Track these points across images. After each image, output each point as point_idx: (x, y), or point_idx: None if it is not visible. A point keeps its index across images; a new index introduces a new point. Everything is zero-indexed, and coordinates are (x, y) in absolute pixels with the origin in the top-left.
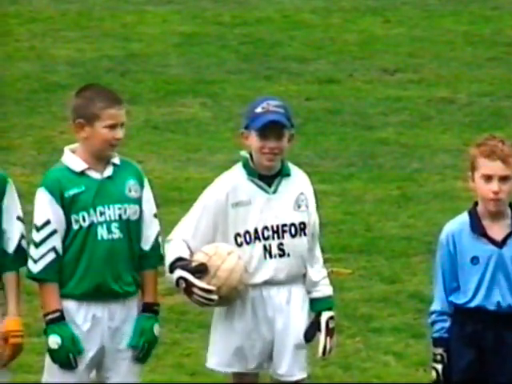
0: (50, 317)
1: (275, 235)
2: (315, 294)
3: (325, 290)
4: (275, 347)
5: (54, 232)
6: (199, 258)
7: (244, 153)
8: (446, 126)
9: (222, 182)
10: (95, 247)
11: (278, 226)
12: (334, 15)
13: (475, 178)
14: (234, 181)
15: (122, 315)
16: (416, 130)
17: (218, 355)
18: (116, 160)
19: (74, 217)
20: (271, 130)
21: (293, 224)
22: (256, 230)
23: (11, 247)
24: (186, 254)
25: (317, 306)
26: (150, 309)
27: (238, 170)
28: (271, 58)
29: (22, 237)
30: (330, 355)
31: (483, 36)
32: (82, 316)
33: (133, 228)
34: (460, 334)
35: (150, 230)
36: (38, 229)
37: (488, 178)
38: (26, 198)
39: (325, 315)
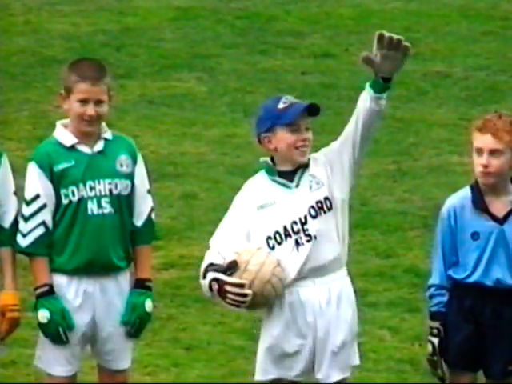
0: (40, 291)
1: (303, 226)
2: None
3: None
4: (317, 351)
5: (43, 206)
6: (229, 258)
7: (263, 159)
8: (441, 100)
9: (247, 189)
10: (85, 222)
11: (304, 216)
12: None
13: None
14: (257, 186)
15: (114, 290)
16: (412, 105)
17: (260, 365)
18: (107, 135)
19: (63, 191)
20: (302, 121)
21: (311, 206)
22: (285, 228)
23: (7, 222)
24: (217, 261)
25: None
26: (142, 285)
27: (260, 176)
28: (267, 33)
29: (17, 212)
30: None
31: (479, 10)
32: (73, 291)
33: (124, 203)
34: (458, 308)
35: (143, 206)
36: (28, 203)
37: (479, 152)
38: (21, 173)
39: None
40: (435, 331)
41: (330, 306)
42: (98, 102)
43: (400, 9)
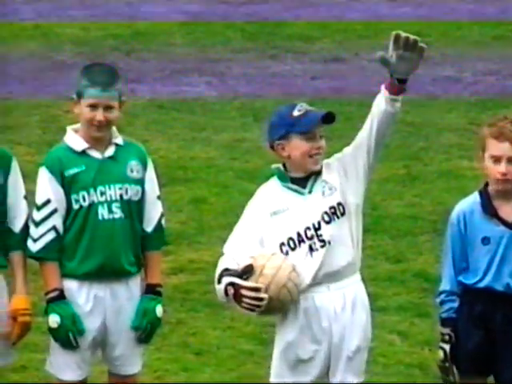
0: (50, 296)
1: (317, 231)
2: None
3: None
4: (332, 357)
5: (54, 211)
6: (244, 262)
7: (275, 165)
8: (451, 104)
9: (260, 196)
10: (96, 227)
11: (318, 222)
12: None
13: (485, 159)
14: (270, 193)
15: (125, 295)
16: (422, 109)
17: (275, 369)
18: (118, 140)
19: (74, 196)
20: (317, 129)
21: (324, 212)
22: (299, 234)
23: (18, 226)
24: (232, 267)
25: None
26: (152, 290)
27: (272, 182)
28: (276, 37)
29: (28, 216)
30: None
31: (489, 15)
32: (83, 296)
33: (134, 208)
34: (468, 314)
35: (153, 212)
36: (39, 208)
37: (496, 159)
38: (32, 178)
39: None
40: (446, 337)
41: (344, 311)
42: (108, 108)
43: (410, 13)
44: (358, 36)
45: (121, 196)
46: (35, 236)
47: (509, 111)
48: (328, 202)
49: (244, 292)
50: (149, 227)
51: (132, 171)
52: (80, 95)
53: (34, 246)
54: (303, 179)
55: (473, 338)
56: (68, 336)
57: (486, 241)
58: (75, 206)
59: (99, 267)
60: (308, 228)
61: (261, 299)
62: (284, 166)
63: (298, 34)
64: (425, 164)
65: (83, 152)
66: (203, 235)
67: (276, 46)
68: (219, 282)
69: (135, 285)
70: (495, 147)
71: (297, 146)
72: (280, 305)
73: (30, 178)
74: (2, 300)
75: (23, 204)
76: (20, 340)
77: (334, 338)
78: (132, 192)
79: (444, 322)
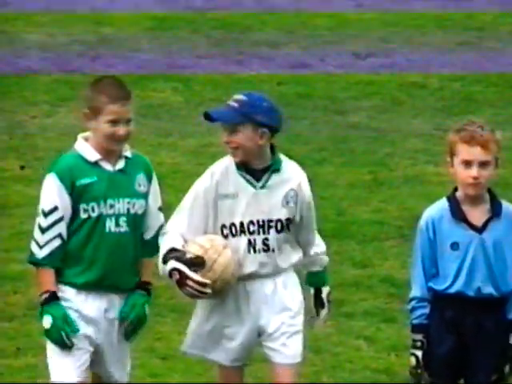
0: (43, 297)
1: (260, 230)
2: (312, 268)
3: (322, 261)
4: (264, 335)
5: (60, 219)
6: (194, 250)
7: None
8: (417, 110)
9: (212, 173)
10: (102, 239)
11: (264, 221)
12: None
13: (454, 164)
14: (223, 171)
15: (120, 306)
16: (387, 115)
17: (193, 339)
18: (128, 153)
19: (83, 206)
20: (223, 123)
21: (279, 220)
22: (242, 224)
23: None
24: (179, 245)
25: (314, 280)
26: (144, 287)
27: (227, 161)
28: (243, 43)
29: None
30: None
31: (455, 20)
32: (80, 302)
33: (138, 222)
34: (439, 320)
35: (154, 222)
36: (46, 214)
37: (467, 164)
38: None
39: (325, 291)
40: (418, 344)
41: (275, 295)
42: (128, 121)
43: (376, 19)
44: (325, 42)
45: (128, 210)
46: (41, 243)
47: (474, 117)
48: (288, 213)
49: (190, 283)
50: (148, 235)
51: (140, 185)
52: (98, 111)
53: (39, 253)
54: (259, 171)
55: (445, 343)
56: (61, 335)
57: (455, 246)
58: (83, 216)
59: (100, 278)
60: (252, 222)
61: (204, 293)
62: None
63: (264, 40)
64: (390, 170)
65: (95, 163)
66: None
67: (242, 52)
68: (164, 261)
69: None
70: (466, 152)
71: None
72: (218, 296)
73: None
74: None
75: None
76: None
77: (262, 320)
78: (138, 206)
79: (415, 329)
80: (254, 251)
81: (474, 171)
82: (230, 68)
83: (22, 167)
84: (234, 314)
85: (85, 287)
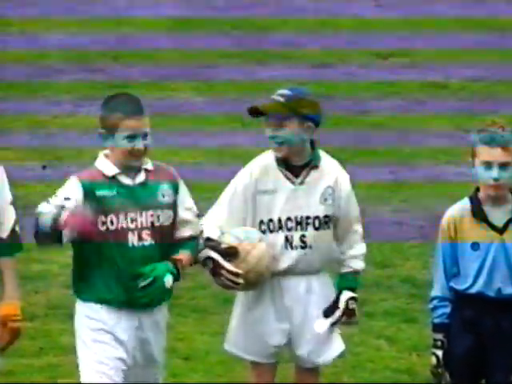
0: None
1: (298, 227)
2: (343, 269)
3: (354, 264)
4: (293, 337)
5: (67, 206)
6: (229, 241)
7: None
8: (438, 110)
9: (251, 169)
10: (124, 253)
11: (301, 218)
12: None
13: (475, 165)
14: (262, 167)
15: (149, 325)
16: (409, 115)
17: (237, 339)
18: (148, 166)
19: (101, 218)
20: (269, 117)
21: (317, 217)
22: (279, 220)
23: (5, 233)
24: (215, 236)
25: (340, 282)
26: (173, 261)
27: (269, 156)
28: (264, 42)
29: (16, 222)
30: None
31: (476, 20)
32: (114, 319)
33: (166, 233)
34: (459, 319)
35: (185, 231)
36: (56, 195)
37: (488, 165)
38: (19, 183)
39: (345, 295)
40: (439, 343)
41: (309, 295)
42: (145, 136)
43: (397, 19)
44: (346, 41)
45: (152, 223)
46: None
47: (496, 117)
48: (325, 210)
49: (223, 272)
50: (185, 233)
51: (163, 196)
52: (113, 128)
53: (45, 206)
54: (298, 167)
55: (464, 343)
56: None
57: (475, 246)
58: (101, 228)
59: (126, 294)
60: (289, 219)
61: (237, 283)
62: None
63: (286, 40)
64: (412, 169)
65: (113, 177)
66: None
67: (263, 52)
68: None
69: (161, 314)
70: (487, 153)
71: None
72: (252, 288)
73: (17, 183)
74: None
75: (9, 210)
76: (9, 346)
77: (295, 318)
78: (164, 217)
79: (436, 328)
80: (291, 247)
81: (494, 172)
82: (251, 68)
83: (44, 167)
84: (270, 309)
85: (114, 304)
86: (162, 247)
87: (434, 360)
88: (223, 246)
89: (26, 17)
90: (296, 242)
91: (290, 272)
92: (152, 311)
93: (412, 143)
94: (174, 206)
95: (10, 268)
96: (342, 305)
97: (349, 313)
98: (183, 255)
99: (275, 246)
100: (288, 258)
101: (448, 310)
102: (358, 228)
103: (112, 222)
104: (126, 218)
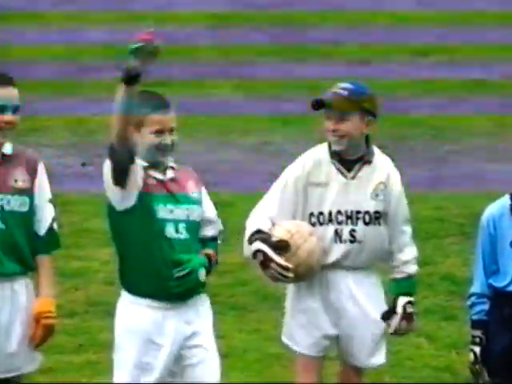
0: None
1: (348, 221)
2: (396, 275)
3: (407, 269)
4: (343, 334)
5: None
6: (280, 234)
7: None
8: (478, 107)
9: (304, 161)
10: (163, 244)
11: (352, 212)
12: None
13: None
14: (316, 160)
15: (195, 319)
16: (448, 112)
17: (289, 331)
18: (173, 164)
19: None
20: (332, 111)
21: (367, 212)
22: (330, 213)
23: (43, 230)
24: (266, 228)
25: (394, 288)
26: (208, 256)
27: (322, 150)
28: (302, 40)
29: (53, 219)
30: (403, 335)
31: None
32: (154, 319)
33: (196, 229)
34: (498, 316)
35: (211, 229)
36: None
37: None
38: (58, 180)
39: (401, 300)
40: (477, 340)
41: (356, 291)
42: (171, 131)
43: (436, 16)
44: (385, 39)
45: (187, 216)
46: None
47: None
48: (376, 206)
49: (273, 265)
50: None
51: (192, 193)
52: (140, 123)
53: None
54: (351, 162)
55: (503, 341)
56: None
57: None
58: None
59: (161, 283)
60: (340, 212)
61: (286, 277)
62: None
63: (325, 37)
64: (451, 167)
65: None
66: (230, 238)
67: (302, 49)
68: (250, 241)
69: (203, 305)
70: None
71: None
72: (301, 281)
73: (56, 179)
74: (31, 303)
75: (48, 207)
76: (43, 343)
77: (341, 313)
78: (195, 214)
79: (475, 325)
80: (340, 241)
81: None
82: (289, 65)
83: (83, 164)
84: (318, 302)
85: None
86: (194, 243)
87: (471, 357)
88: (274, 239)
89: (65, 13)
90: (345, 236)
91: (337, 266)
92: (188, 302)
93: (451, 141)
94: (200, 203)
95: (46, 265)
96: (399, 310)
97: (407, 317)
98: (212, 252)
99: (324, 239)
100: (336, 252)
101: (486, 306)
102: (408, 228)
103: (157, 212)
104: (165, 209)
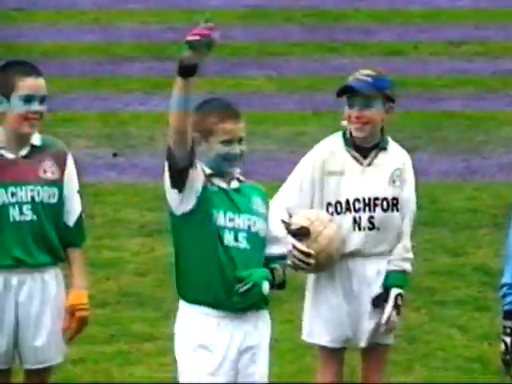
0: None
1: (366, 208)
2: (390, 267)
3: (403, 265)
4: (364, 319)
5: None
6: (300, 221)
7: (344, 123)
8: (511, 98)
9: (320, 150)
10: (222, 252)
11: (369, 199)
12: None
13: None
14: (330, 149)
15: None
16: (481, 102)
17: (311, 327)
18: (241, 176)
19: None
20: (356, 97)
21: (385, 198)
22: (347, 202)
23: (72, 221)
24: (285, 218)
25: (389, 279)
26: (270, 270)
27: (336, 139)
28: (336, 30)
29: (81, 211)
30: (393, 331)
31: None
32: (213, 331)
33: (259, 242)
34: None
35: (274, 249)
36: None
37: None
38: (90, 170)
39: (394, 291)
40: (508, 330)
41: (378, 277)
42: (240, 140)
43: (469, 6)
44: (418, 29)
45: (249, 227)
46: None
47: None
48: (394, 192)
49: (295, 252)
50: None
51: (257, 207)
52: (209, 133)
53: None
54: (367, 149)
55: None
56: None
57: None
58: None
59: (225, 297)
60: (358, 200)
61: (308, 263)
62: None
63: (358, 27)
64: (484, 157)
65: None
66: None
67: (335, 39)
68: None
69: (263, 320)
70: None
71: (345, 110)
72: (321, 270)
73: (88, 170)
74: (61, 295)
75: (76, 199)
76: (77, 335)
77: (363, 302)
78: (260, 226)
79: (506, 315)
80: (359, 229)
81: None
82: (322, 55)
83: (115, 154)
84: (339, 293)
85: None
86: (256, 254)
87: (502, 347)
88: (294, 226)
89: (99, 4)
90: (364, 223)
91: (357, 254)
92: (250, 317)
93: (484, 131)
94: (266, 218)
95: (77, 256)
96: (392, 299)
97: (397, 308)
98: (278, 267)
99: (343, 228)
100: (355, 240)
101: None
102: (411, 217)
103: (215, 219)
104: (225, 218)
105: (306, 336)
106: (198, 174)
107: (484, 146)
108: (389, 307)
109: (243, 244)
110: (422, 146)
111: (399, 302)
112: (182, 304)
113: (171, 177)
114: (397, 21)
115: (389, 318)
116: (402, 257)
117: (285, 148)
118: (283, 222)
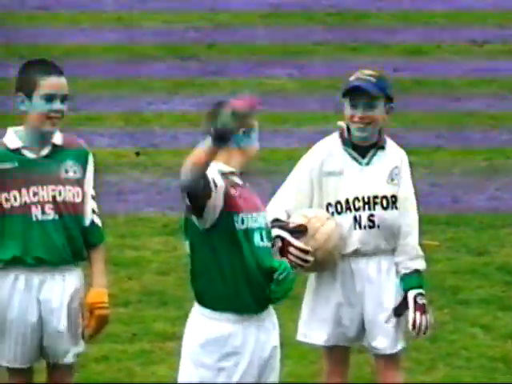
0: None
1: (366, 206)
2: (403, 271)
3: (413, 265)
4: (366, 319)
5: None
6: (298, 219)
7: (341, 123)
8: None
9: (317, 151)
10: (248, 253)
11: (369, 198)
12: None
13: None
14: (328, 149)
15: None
16: (505, 102)
17: (308, 327)
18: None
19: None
20: (359, 98)
21: (384, 196)
22: (347, 201)
23: (87, 221)
24: (283, 217)
25: (404, 284)
26: None
27: (333, 139)
28: (358, 29)
29: (94, 211)
30: (426, 333)
31: None
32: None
33: (271, 235)
34: None
35: None
36: None
37: None
38: (112, 169)
39: (411, 293)
40: None
41: (380, 275)
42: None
43: (492, 6)
44: (440, 28)
45: (266, 224)
46: None
47: None
48: (393, 190)
49: (292, 250)
50: None
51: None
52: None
53: None
54: (365, 148)
55: None
56: None
57: None
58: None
59: (257, 295)
60: (357, 198)
61: (306, 261)
62: (348, 129)
63: (380, 26)
64: (507, 157)
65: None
66: None
67: (358, 38)
68: None
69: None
70: None
71: (346, 110)
72: (320, 268)
73: (110, 169)
74: (80, 292)
75: (90, 202)
76: (97, 333)
77: (367, 301)
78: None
79: None
80: (360, 227)
81: None
82: (345, 54)
83: (138, 153)
84: (339, 293)
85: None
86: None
87: None
88: (291, 224)
89: (121, 3)
90: (364, 221)
91: (359, 253)
92: (263, 313)
93: (507, 131)
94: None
95: (97, 256)
96: (411, 303)
97: (420, 308)
98: None
99: (344, 228)
100: (356, 239)
101: None
102: (414, 213)
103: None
104: (248, 219)
105: (303, 337)
106: (218, 192)
107: (506, 145)
108: (411, 313)
109: (265, 242)
110: (445, 144)
111: (420, 301)
112: (199, 309)
113: (193, 210)
114: (420, 20)
115: (414, 322)
116: (410, 257)
117: (307, 147)
118: (279, 220)
